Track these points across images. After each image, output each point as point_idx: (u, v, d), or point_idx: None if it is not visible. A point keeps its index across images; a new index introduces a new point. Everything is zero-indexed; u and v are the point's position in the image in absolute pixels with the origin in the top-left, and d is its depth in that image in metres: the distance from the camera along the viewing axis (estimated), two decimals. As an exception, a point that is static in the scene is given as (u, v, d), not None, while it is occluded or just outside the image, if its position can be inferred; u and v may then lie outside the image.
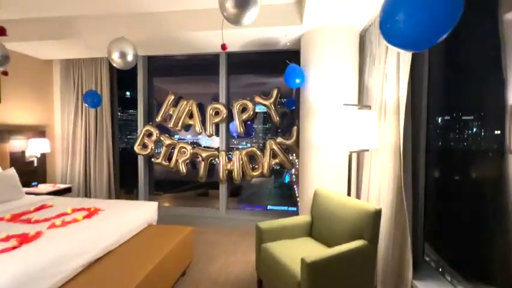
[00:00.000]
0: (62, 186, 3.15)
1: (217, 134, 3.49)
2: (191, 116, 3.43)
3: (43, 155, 3.23)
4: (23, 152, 3.00)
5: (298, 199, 4.34)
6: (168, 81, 4.31)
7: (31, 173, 3.09)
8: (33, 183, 3.03)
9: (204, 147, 3.56)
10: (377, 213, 1.70)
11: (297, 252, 1.77)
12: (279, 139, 3.23)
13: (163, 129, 3.57)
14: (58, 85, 3.48)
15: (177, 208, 3.88)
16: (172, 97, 3.46)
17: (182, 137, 3.87)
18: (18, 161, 2.95)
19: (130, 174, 3.74)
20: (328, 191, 2.15)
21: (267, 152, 3.23)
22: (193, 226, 3.33)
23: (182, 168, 3.45)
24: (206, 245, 2.82)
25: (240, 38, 2.71)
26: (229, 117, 3.40)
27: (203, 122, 3.40)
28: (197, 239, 2.87)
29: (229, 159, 3.37)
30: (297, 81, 2.40)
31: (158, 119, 3.49)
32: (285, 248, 1.86)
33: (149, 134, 3.53)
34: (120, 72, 3.74)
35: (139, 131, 3.62)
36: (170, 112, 3.47)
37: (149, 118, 3.70)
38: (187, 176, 3.52)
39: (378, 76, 2.22)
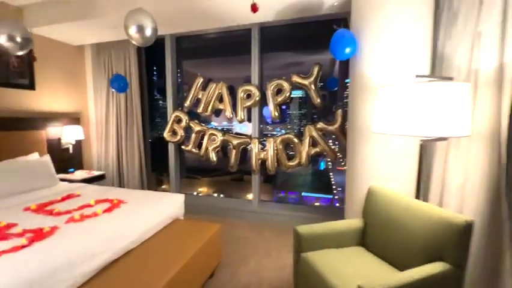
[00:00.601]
0: (96, 173, 3.14)
1: (249, 120, 3.15)
2: (221, 100, 3.13)
3: (78, 142, 3.24)
4: (59, 139, 3.02)
5: (334, 187, 3.91)
6: (198, 65, 4.03)
7: (68, 159, 3.12)
8: (70, 170, 3.06)
9: (235, 134, 3.26)
10: (467, 228, 1.21)
11: (350, 270, 1.38)
12: (320, 124, 2.76)
13: (194, 115, 3.35)
14: (90, 71, 3.44)
15: (207, 198, 3.69)
16: (201, 80, 3.18)
17: (216, 124, 3.63)
18: (54, 148, 2.98)
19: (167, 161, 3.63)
20: (388, 190, 1.68)
21: (306, 140, 2.80)
22: (223, 218, 3.14)
23: (213, 156, 3.21)
24: (237, 242, 2.56)
25: (275, 1, 2.26)
26: (263, 101, 3.02)
27: (234, 107, 3.07)
28: (227, 234, 2.63)
29: (263, 147, 3.02)
30: (347, 50, 1.90)
31: (187, 103, 3.26)
32: (333, 262, 1.47)
33: (179, 120, 3.34)
34: (153, 57, 3.56)
35: (168, 117, 3.45)
36: (199, 96, 3.20)
37: (179, 103, 3.50)
38: (218, 164, 3.29)
39: (464, 37, 1.62)
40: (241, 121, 3.07)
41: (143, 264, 1.54)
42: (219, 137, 3.13)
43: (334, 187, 3.89)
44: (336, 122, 2.71)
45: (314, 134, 2.77)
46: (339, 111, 2.71)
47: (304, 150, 2.82)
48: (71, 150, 3.14)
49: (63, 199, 2.11)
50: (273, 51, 3.42)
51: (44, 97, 2.95)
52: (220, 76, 3.29)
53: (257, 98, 2.96)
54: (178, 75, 3.53)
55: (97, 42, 3.28)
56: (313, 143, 2.82)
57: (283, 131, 3.49)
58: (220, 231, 2.09)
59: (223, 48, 3.75)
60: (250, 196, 3.33)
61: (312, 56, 3.51)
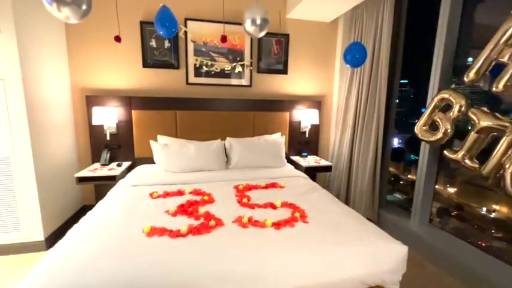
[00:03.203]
0: (323, 163, 2.83)
1: None
2: None
3: (316, 126, 3.10)
4: (300, 122, 3.05)
5: None
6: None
7: (304, 143, 3.11)
8: (303, 153, 3.04)
9: None
10: None
11: None
12: None
13: (479, 99, 1.82)
14: (340, 48, 3.05)
15: (466, 247, 1.94)
16: (517, 22, 1.53)
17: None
18: (295, 130, 3.06)
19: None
20: None
21: None
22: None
23: (509, 183, 1.52)
24: None
25: None
26: None
27: None
28: None
29: None
30: None
31: (470, 75, 1.77)
32: None
33: (446, 106, 1.97)
34: (418, 17, 2.40)
35: (428, 100, 2.19)
36: (504, 59, 1.59)
37: (453, 75, 2.08)
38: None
39: None
40: None
41: None
42: (542, 149, 1.37)
43: None
44: None
45: None
46: None
47: None
48: (307, 135, 3.08)
49: (266, 186, 1.99)
50: None
51: (293, 81, 3.06)
52: None
53: None
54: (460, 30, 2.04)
55: (350, 10, 2.74)
56: None
57: None
58: None
59: None
60: None
61: None
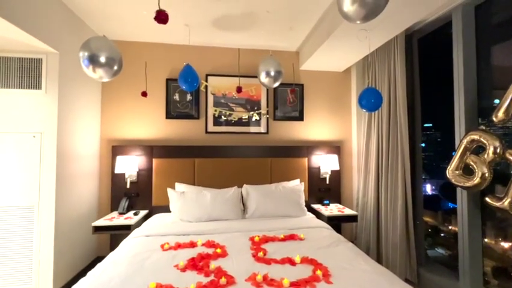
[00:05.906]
0: (347, 212, 2.61)
1: None
2: None
3: (336, 172, 2.96)
4: (319, 168, 2.94)
5: None
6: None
7: (325, 190, 2.94)
8: (325, 201, 2.85)
9: None
10: None
11: None
12: None
13: None
14: (355, 94, 3.09)
15: None
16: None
17: None
18: (315, 176, 2.95)
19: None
20: None
21: None
22: None
23: None
24: None
25: None
26: None
27: None
28: None
29: None
30: None
31: (499, 115, 1.67)
32: None
33: (479, 148, 1.82)
34: (430, 61, 2.44)
35: (456, 141, 2.05)
36: (534, 96, 1.49)
37: (479, 117, 1.97)
38: None
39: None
40: None
41: None
42: None
43: None
44: None
45: None
46: None
47: None
48: (327, 181, 2.93)
49: (284, 239, 1.83)
50: None
51: (310, 127, 3.07)
52: None
53: None
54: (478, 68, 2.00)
55: (361, 59, 2.86)
56: None
57: None
58: None
59: None
60: None
61: None
